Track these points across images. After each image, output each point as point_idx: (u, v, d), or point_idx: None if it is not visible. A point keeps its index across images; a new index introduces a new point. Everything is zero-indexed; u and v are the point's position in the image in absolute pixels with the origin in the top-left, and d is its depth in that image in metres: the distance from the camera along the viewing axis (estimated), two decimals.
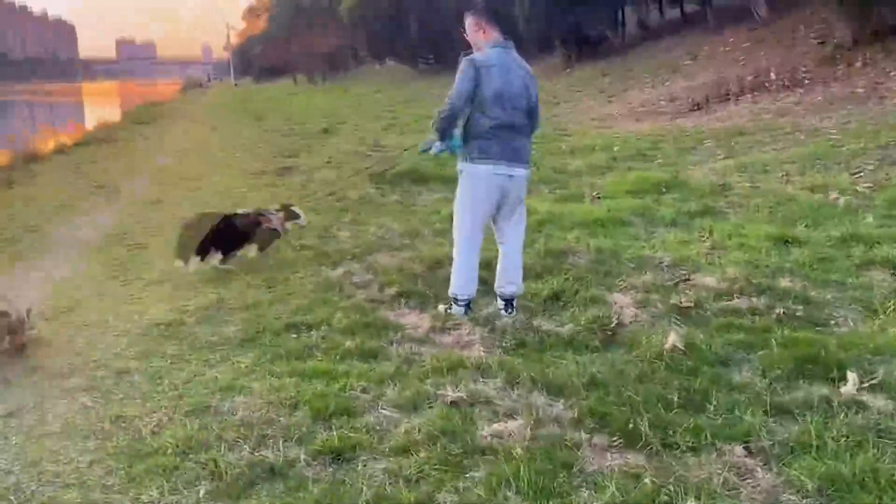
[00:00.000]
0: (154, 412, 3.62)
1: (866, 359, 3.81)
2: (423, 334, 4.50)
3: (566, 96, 20.05)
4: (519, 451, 3.08)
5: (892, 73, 12.54)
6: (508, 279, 4.78)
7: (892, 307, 4.46)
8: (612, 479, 2.88)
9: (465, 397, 3.58)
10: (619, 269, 5.53)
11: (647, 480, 2.86)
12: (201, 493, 2.95)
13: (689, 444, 3.11)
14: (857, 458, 2.90)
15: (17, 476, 3.15)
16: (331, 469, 3.09)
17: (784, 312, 4.48)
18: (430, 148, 4.84)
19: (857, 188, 7.23)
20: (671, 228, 6.62)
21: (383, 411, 3.54)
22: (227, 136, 19.04)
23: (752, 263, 5.38)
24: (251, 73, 79.15)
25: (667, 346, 4.02)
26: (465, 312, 4.74)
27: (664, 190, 8.05)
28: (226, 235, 6.10)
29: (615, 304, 4.82)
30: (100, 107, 47.60)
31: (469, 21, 4.77)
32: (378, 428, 3.38)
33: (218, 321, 4.91)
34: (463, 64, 4.57)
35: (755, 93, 14.09)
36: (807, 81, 13.68)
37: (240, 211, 6.50)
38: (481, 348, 4.22)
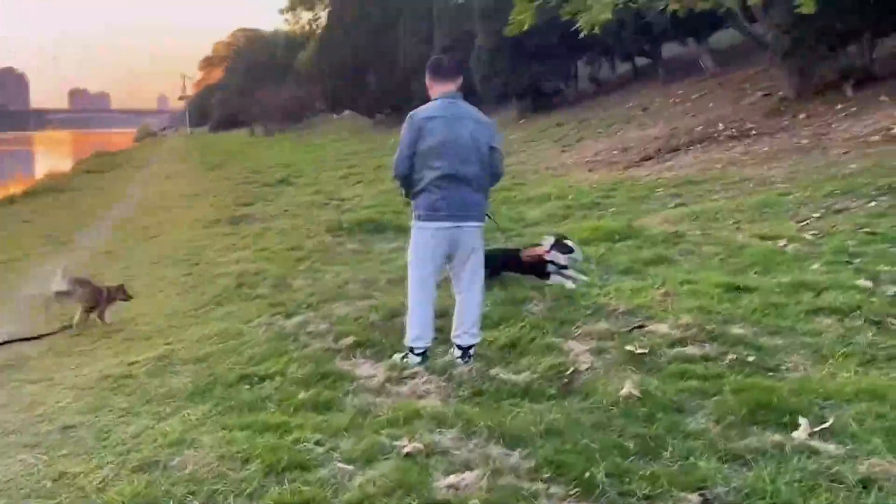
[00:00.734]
0: (100, 468, 3.51)
1: (817, 404, 3.85)
2: (378, 384, 4.46)
3: (522, 147, 20.32)
4: (476, 502, 3.04)
5: (834, 126, 12.98)
6: (464, 328, 4.76)
7: (841, 353, 4.54)
8: None
9: (421, 448, 3.53)
10: (575, 316, 5.55)
11: None
12: None
13: (646, 493, 3.11)
14: None
15: None
16: None
17: (736, 359, 4.52)
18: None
19: (805, 236, 7.40)
20: (625, 276, 6.69)
21: (338, 464, 3.47)
22: (181, 185, 18.88)
23: (704, 310, 5.45)
24: (207, 123, 78.90)
25: (622, 393, 4.03)
26: (422, 362, 4.71)
27: (618, 238, 8.15)
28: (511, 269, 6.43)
29: (571, 351, 4.83)
30: (52, 156, 46.92)
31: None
32: (332, 482, 3.31)
33: (168, 373, 4.81)
34: (405, 122, 4.65)
35: (704, 143, 14.43)
36: (754, 133, 14.07)
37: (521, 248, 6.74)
38: (438, 398, 4.19)
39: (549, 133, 21.50)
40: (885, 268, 6.05)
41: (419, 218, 4.66)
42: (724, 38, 22.39)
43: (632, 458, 3.40)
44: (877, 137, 11.45)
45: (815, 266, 6.42)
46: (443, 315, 4.99)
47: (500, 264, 6.38)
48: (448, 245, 4.65)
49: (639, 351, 4.71)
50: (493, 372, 4.56)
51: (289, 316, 5.96)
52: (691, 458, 3.37)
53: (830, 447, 3.39)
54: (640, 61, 25.77)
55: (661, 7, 13.51)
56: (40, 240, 10.94)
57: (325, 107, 53.18)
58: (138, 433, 3.90)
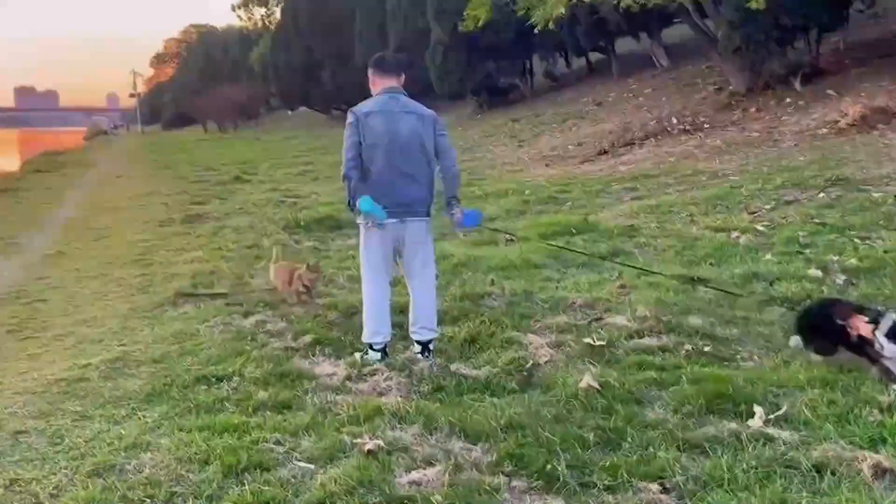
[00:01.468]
0: (53, 474, 3.42)
1: (771, 392, 3.92)
2: (338, 382, 4.42)
3: (479, 142, 20.37)
4: (438, 498, 3.03)
5: (783, 119, 13.26)
6: (421, 324, 4.75)
7: None
8: None
9: (382, 445, 3.51)
10: (534, 310, 5.58)
11: None
12: None
13: (606, 484, 3.13)
14: (766, 490, 2.97)
15: None
16: None
17: (693, 349, 4.60)
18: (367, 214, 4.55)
19: (757, 227, 7.54)
20: (583, 270, 6.74)
21: (298, 463, 3.44)
22: (134, 184, 18.55)
23: (660, 302, 5.52)
24: (160, 121, 77.61)
25: (582, 385, 4.06)
26: (382, 358, 4.69)
27: (574, 232, 8.21)
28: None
29: (531, 345, 4.85)
30: None
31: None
32: (293, 481, 3.28)
33: (123, 376, 4.71)
34: (347, 118, 4.62)
35: (658, 137, 14.64)
36: (706, 126, 14.32)
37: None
38: (398, 394, 4.17)
39: (505, 129, 21.59)
40: (835, 257, 6.20)
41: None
42: (675, 33, 22.72)
43: (592, 449, 3.42)
44: (824, 130, 11.73)
45: (768, 257, 6.55)
46: (402, 311, 4.97)
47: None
48: (394, 241, 4.65)
49: (597, 343, 4.76)
50: (453, 367, 4.56)
51: (246, 315, 5.89)
52: (650, 449, 3.40)
53: (785, 434, 3.46)
54: (595, 56, 26.01)
55: (615, 2, 13.65)
56: None
57: (279, 103, 52.76)
58: (93, 437, 3.81)
